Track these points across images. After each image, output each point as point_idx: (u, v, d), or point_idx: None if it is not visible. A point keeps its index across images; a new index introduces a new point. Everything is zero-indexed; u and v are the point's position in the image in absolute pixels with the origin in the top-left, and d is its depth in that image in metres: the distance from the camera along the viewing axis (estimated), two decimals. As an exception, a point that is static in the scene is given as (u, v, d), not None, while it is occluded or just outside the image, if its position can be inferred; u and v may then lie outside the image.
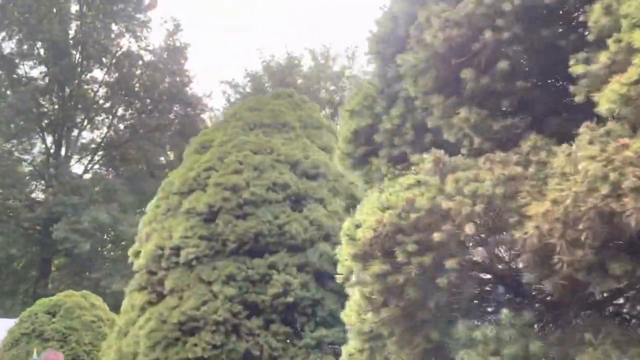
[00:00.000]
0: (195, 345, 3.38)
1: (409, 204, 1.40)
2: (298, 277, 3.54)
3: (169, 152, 15.60)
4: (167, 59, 14.91)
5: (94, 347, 5.63)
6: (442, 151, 1.48)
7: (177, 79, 15.07)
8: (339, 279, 1.94)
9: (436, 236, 1.38)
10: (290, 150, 4.09)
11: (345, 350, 1.97)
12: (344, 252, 1.70)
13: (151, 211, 4.14)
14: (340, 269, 1.89)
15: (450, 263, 1.40)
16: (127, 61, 14.65)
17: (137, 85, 14.87)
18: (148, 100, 14.93)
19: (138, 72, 14.84)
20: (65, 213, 12.25)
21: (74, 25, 14.48)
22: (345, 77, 15.88)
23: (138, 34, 14.67)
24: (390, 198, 1.45)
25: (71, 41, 14.15)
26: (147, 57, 14.81)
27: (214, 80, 29.61)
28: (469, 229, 1.36)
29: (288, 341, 3.44)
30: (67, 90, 14.09)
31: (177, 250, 3.69)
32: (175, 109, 15.23)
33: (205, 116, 15.60)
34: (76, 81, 14.14)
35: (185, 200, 3.95)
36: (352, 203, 4.31)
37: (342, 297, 3.71)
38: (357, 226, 1.54)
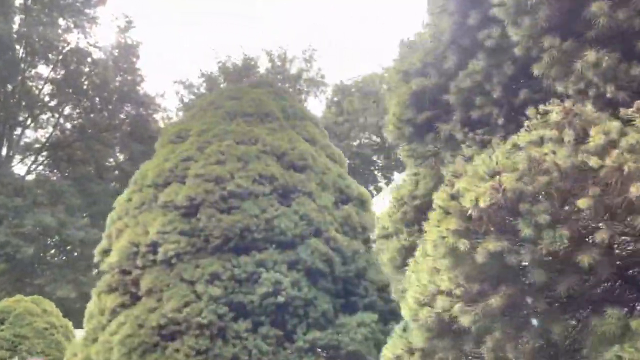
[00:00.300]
0: (177, 350, 3.06)
1: (533, 164, 1.15)
2: (289, 275, 3.28)
3: (118, 154, 15.00)
4: (118, 57, 14.34)
5: (47, 356, 5.18)
6: (571, 101, 1.26)
7: (129, 78, 14.53)
8: (385, 267, 1.71)
9: (581, 202, 1.14)
10: (276, 141, 3.83)
11: (390, 351, 1.67)
12: (436, 230, 1.31)
13: (121, 205, 3.78)
14: (386, 257, 1.65)
15: (600, 235, 1.16)
16: (75, 58, 14.00)
17: (86, 83, 14.23)
18: (97, 99, 14.32)
19: (87, 69, 14.21)
20: (7, 216, 11.53)
21: (18, 19, 13.71)
22: (302, 80, 15.71)
23: (87, 30, 14.03)
24: (504, 161, 1.20)
25: (15, 35, 13.38)
26: (97, 54, 14.18)
27: (166, 79, 28.81)
28: (636, 189, 1.11)
29: (278, 345, 3.17)
30: (10, 86, 13.32)
31: (154, 247, 3.35)
32: (126, 108, 14.68)
33: (157, 116, 15.10)
34: (20, 77, 13.38)
35: (161, 193, 3.61)
36: (341, 198, 4.11)
37: (335, 297, 3.49)
38: (454, 197, 1.28)
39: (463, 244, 1.23)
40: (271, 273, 3.25)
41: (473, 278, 1.30)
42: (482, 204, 1.19)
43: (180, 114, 14.62)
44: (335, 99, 15.62)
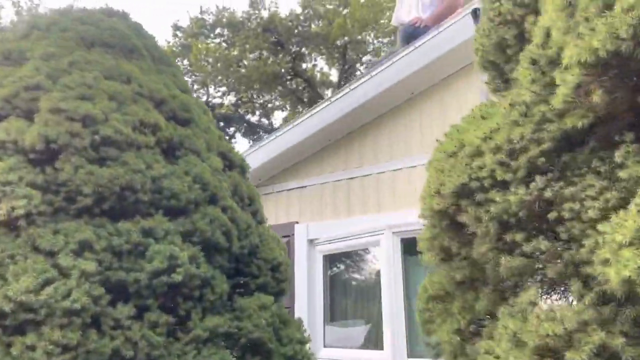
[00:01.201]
0: (32, 348, 2.15)
1: None
2: (185, 248, 2.59)
3: None
4: None
5: None
6: None
7: None
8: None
9: None
10: (153, 84, 3.06)
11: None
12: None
13: None
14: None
15: None
16: None
17: None
18: None
19: None
20: None
21: None
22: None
23: None
24: None
25: None
26: None
27: None
28: None
29: (169, 335, 2.47)
30: None
31: None
32: None
33: None
34: None
35: None
36: (224, 163, 3.47)
37: (230, 276, 2.92)
38: None
39: None
40: (164, 245, 2.53)
41: None
42: None
43: None
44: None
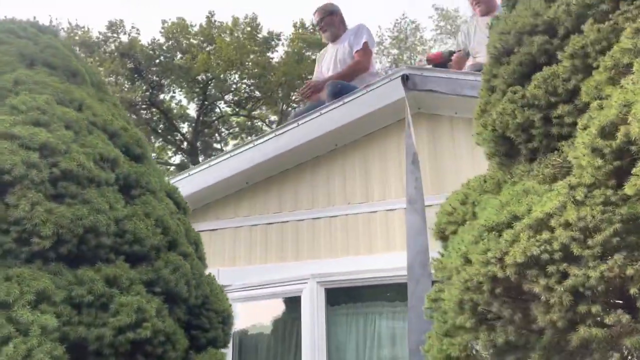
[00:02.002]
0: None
1: None
2: (151, 300, 2.29)
3: None
4: None
5: None
6: None
7: None
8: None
9: None
10: (105, 113, 2.75)
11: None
12: None
13: None
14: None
15: None
16: None
17: None
18: None
19: None
20: None
21: None
22: None
23: None
24: None
25: None
26: None
27: None
28: None
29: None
30: None
31: None
32: None
33: None
34: None
35: None
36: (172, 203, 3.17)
37: (186, 330, 2.70)
38: None
39: None
40: (130, 296, 2.23)
41: None
42: None
43: None
44: None
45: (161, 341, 2.34)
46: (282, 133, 4.53)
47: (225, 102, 24.49)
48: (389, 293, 4.14)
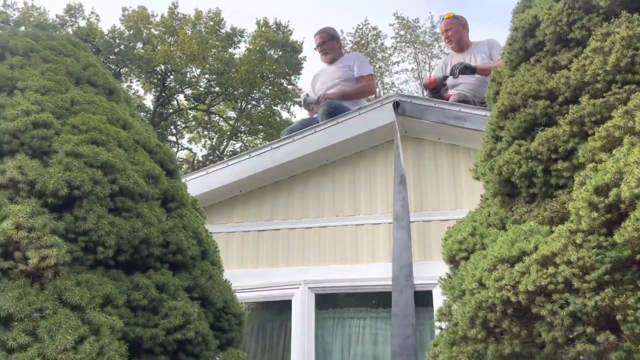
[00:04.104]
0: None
1: None
2: (192, 305, 2.58)
3: None
4: None
5: None
6: None
7: None
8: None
9: None
10: (142, 131, 3.00)
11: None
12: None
13: None
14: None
15: None
16: None
17: None
18: None
19: None
20: None
21: None
22: None
23: None
24: None
25: None
26: None
27: None
28: None
29: (176, 393, 2.43)
30: None
31: (14, 247, 2.10)
32: None
33: None
34: None
35: None
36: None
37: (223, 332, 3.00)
38: None
39: None
40: (176, 301, 2.51)
41: None
42: None
43: None
44: None
45: (199, 341, 2.65)
46: (277, 147, 4.86)
47: (185, 96, 24.37)
48: (373, 300, 4.54)
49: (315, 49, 5.78)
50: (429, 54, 23.27)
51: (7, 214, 2.19)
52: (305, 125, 5.14)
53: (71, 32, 23.07)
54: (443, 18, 5.75)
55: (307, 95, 5.71)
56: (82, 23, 23.59)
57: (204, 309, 2.83)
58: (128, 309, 2.41)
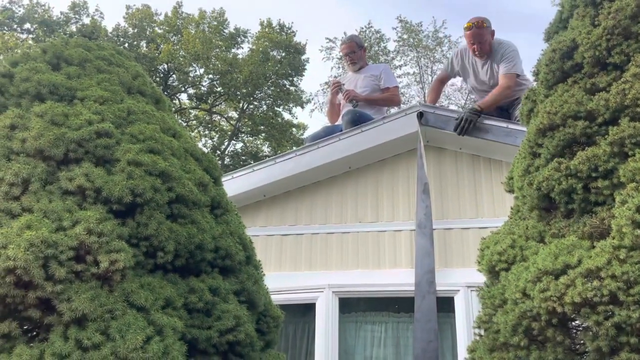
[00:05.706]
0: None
1: None
2: (241, 308, 2.70)
3: None
4: None
5: None
6: None
7: None
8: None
9: None
10: (189, 139, 3.12)
11: None
12: None
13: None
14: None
15: None
16: None
17: None
18: None
19: None
20: None
21: None
22: None
23: None
24: None
25: None
26: None
27: None
28: None
29: (227, 392, 2.55)
30: None
31: (86, 251, 2.21)
32: None
33: None
34: None
35: (62, 173, 2.43)
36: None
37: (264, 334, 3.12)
38: None
39: None
40: (228, 304, 2.63)
41: None
42: None
43: None
44: None
45: (247, 342, 2.77)
46: (302, 153, 4.98)
47: (188, 96, 24.45)
48: (395, 305, 4.67)
49: (341, 58, 5.93)
50: (431, 59, 23.43)
51: (78, 219, 2.31)
52: (329, 132, 5.27)
53: (75, 30, 23.13)
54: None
55: (343, 85, 5.83)
56: (86, 20, 23.64)
57: (249, 311, 2.96)
58: (185, 311, 2.53)
